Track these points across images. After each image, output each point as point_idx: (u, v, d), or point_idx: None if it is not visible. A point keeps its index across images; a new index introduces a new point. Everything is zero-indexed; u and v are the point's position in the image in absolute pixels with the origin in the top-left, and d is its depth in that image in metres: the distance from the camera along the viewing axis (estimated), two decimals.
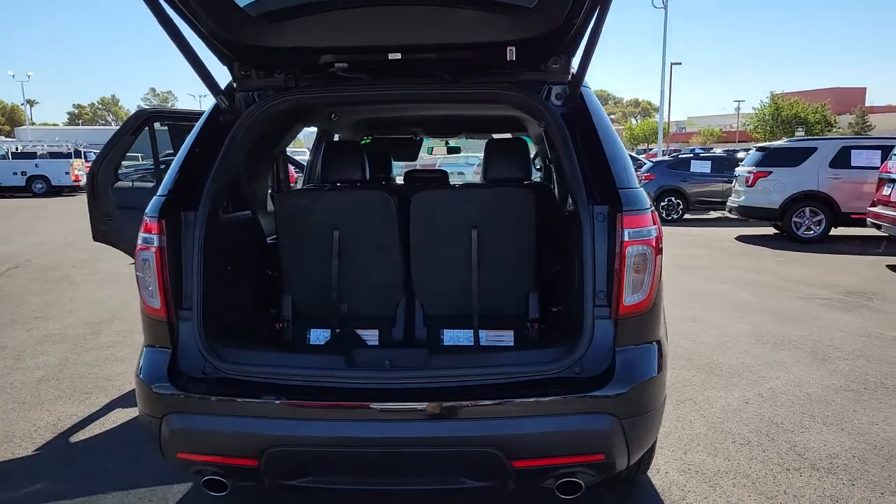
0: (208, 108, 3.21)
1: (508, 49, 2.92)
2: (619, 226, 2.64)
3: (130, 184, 5.57)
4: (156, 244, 2.78)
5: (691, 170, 19.20)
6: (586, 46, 2.74)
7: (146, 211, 2.86)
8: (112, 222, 5.15)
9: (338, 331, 3.58)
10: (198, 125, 3.15)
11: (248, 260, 3.60)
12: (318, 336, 3.64)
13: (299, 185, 6.07)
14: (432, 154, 7.48)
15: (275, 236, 3.80)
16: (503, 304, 3.54)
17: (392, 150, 6.37)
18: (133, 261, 3.08)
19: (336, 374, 2.74)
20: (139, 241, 2.84)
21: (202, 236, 2.85)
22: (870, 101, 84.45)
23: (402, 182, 6.14)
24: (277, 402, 2.66)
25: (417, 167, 6.20)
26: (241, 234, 3.59)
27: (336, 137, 5.93)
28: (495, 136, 5.81)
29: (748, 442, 4.19)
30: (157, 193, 2.91)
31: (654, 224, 2.72)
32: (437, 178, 5.79)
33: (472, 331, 3.55)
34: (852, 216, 12.92)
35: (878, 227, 10.57)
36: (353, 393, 2.65)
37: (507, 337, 3.55)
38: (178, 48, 2.67)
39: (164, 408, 2.70)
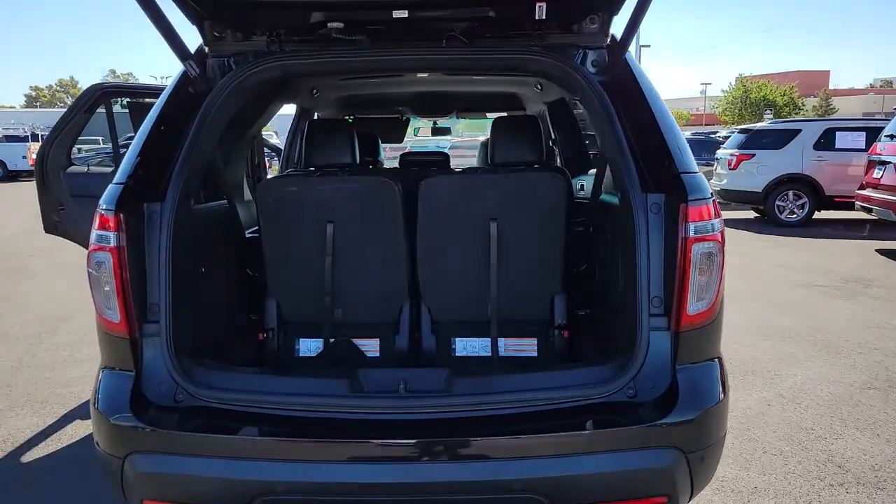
0: (174, 78, 2.66)
1: (538, 5, 2.42)
2: (681, 219, 2.19)
3: (85, 168, 4.94)
4: (113, 243, 2.25)
5: None
6: (638, 2, 2.26)
7: (100, 202, 2.32)
8: (65, 212, 4.54)
9: (332, 340, 3.09)
10: (162, 98, 2.60)
11: (226, 259, 3.08)
12: (309, 347, 3.14)
13: (275, 173, 5.49)
14: (418, 136, 6.90)
15: (255, 229, 3.27)
16: (525, 307, 3.09)
17: (376, 131, 5.83)
18: None
19: (340, 402, 2.25)
20: (92, 240, 2.30)
21: (170, 232, 2.32)
22: (833, 83, 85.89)
23: (392, 167, 5.63)
24: (268, 438, 2.18)
25: (409, 149, 5.58)
26: (216, 227, 3.06)
27: (315, 117, 5.38)
28: (501, 114, 5.29)
29: (781, 452, 3.83)
30: (114, 181, 2.37)
31: (718, 216, 2.28)
32: (438, 161, 5.13)
33: (488, 339, 3.09)
34: (836, 199, 12.77)
35: (868, 210, 10.39)
36: (363, 426, 2.18)
37: (529, 346, 3.10)
38: (138, 2, 2.13)
39: (127, 446, 2.20)
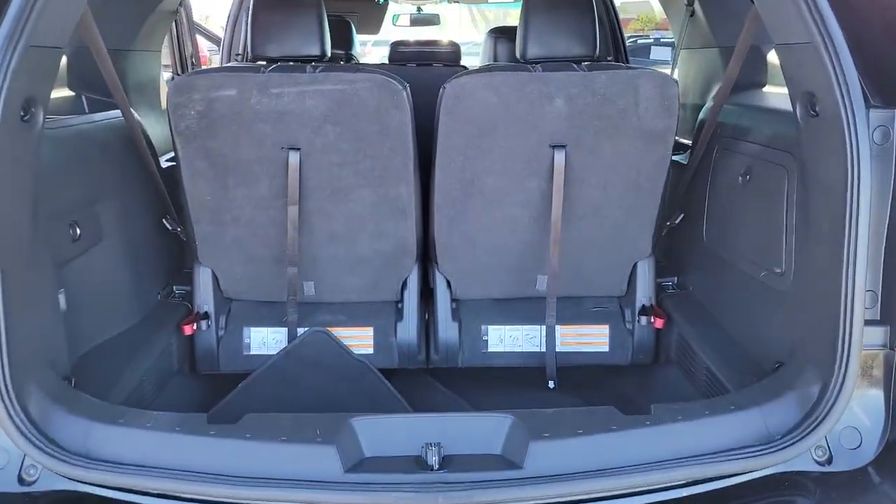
0: None
1: None
2: None
3: None
4: None
5: (651, 57, 17.76)
6: None
7: None
8: None
9: (300, 331, 2.02)
10: None
11: (122, 206, 1.93)
12: (264, 341, 2.07)
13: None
14: (396, 24, 5.50)
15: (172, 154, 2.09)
16: (595, 279, 2.07)
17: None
18: None
19: (326, 491, 1.23)
20: None
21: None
22: None
23: (380, 62, 4.32)
24: None
25: (408, 40, 3.99)
26: (102, 155, 1.90)
27: None
28: None
29: None
30: None
31: None
32: (446, 55, 3.42)
33: (537, 327, 2.06)
34: None
35: None
36: None
37: (597, 337, 2.09)
38: None
39: None
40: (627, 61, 3.80)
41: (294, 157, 1.80)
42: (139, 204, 2.02)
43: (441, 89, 1.78)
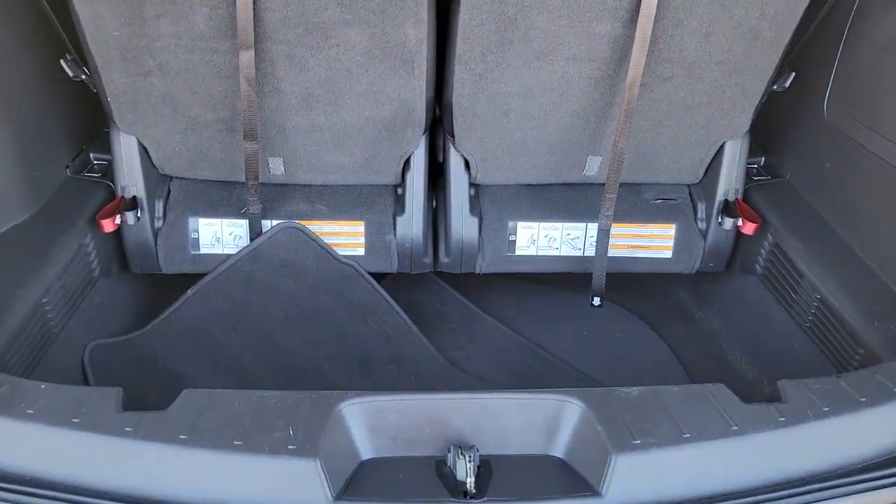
0: None
1: None
2: None
3: None
4: None
5: None
6: None
7: None
8: None
9: (266, 224, 1.49)
10: None
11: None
12: (216, 237, 1.53)
13: None
14: None
15: None
16: (661, 164, 1.54)
17: None
18: None
19: None
20: None
21: None
22: None
23: None
24: None
25: None
26: None
27: None
28: None
29: None
30: None
31: None
32: None
33: (581, 226, 1.56)
34: None
35: None
36: None
37: (659, 240, 1.59)
38: None
39: None
40: None
41: None
42: (20, 38, 1.38)
43: None
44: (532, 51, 1.29)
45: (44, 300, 1.24)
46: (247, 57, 1.24)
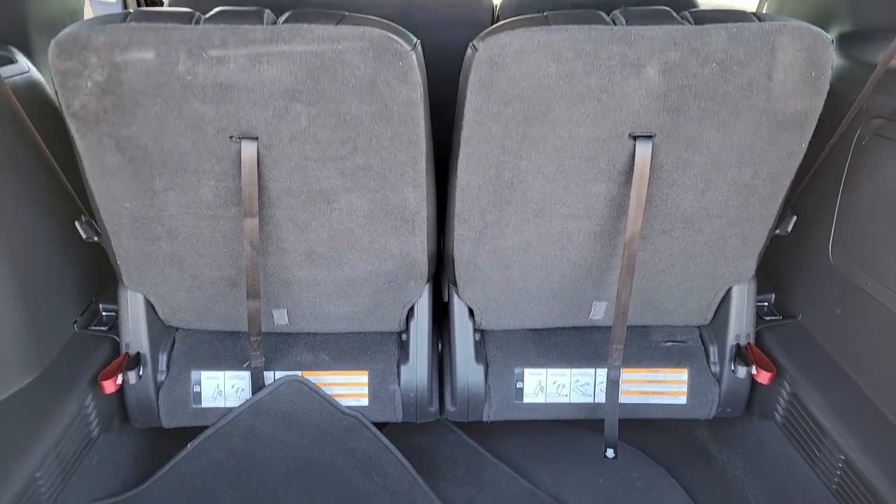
0: None
1: None
2: None
3: None
4: None
5: None
6: None
7: None
8: None
9: (268, 375, 1.48)
10: None
11: (15, 203, 1.34)
12: (218, 390, 1.52)
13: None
14: None
15: None
16: (668, 308, 1.53)
17: None
18: None
19: None
20: None
21: None
22: None
23: None
24: None
25: None
26: None
27: None
28: None
29: None
30: None
31: None
32: None
33: (591, 371, 1.53)
34: None
35: None
36: None
37: (672, 385, 1.55)
38: None
39: None
40: None
41: (249, 149, 1.20)
42: (40, 198, 1.43)
43: (469, 49, 1.16)
44: (530, 209, 1.31)
45: (37, 474, 1.22)
46: (251, 224, 1.27)
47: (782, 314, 1.61)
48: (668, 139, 1.21)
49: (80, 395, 1.37)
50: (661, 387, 1.54)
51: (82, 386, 1.39)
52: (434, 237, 1.43)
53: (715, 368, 1.54)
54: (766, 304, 1.65)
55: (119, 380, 1.41)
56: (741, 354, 1.49)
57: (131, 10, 1.15)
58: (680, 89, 1.14)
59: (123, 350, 1.47)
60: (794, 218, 1.47)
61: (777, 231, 1.44)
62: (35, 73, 1.52)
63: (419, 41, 1.17)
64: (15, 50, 1.53)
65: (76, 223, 1.41)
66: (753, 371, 1.46)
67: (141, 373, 1.46)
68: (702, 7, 1.49)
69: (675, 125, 1.19)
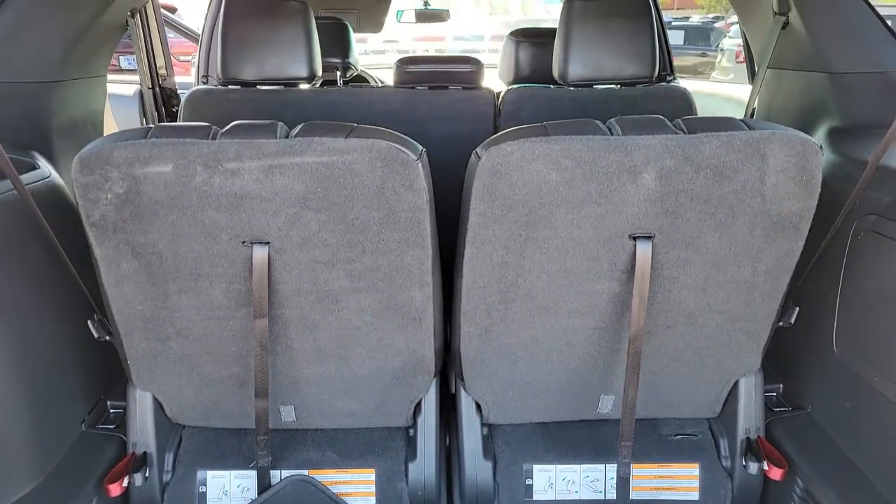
0: None
1: None
2: None
3: None
4: None
5: None
6: None
7: None
8: None
9: (274, 474, 1.47)
10: None
11: (26, 306, 1.37)
12: (224, 489, 1.51)
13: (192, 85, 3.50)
14: (401, 21, 4.85)
15: None
16: (676, 401, 1.53)
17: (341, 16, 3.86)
18: None
19: None
20: None
21: None
22: None
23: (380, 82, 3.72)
24: None
25: (416, 56, 2.99)
26: (14, 230, 1.36)
27: None
28: None
29: None
30: None
31: None
32: (465, 74, 2.27)
33: (600, 467, 1.51)
34: None
35: None
36: None
37: (683, 480, 1.53)
38: None
39: None
40: (674, 75, 3.21)
41: (260, 253, 1.24)
42: (55, 296, 1.47)
43: (473, 157, 1.21)
44: (535, 307, 1.33)
45: None
46: (261, 325, 1.29)
47: (791, 405, 1.60)
48: (668, 239, 1.24)
49: (85, 500, 1.36)
50: (673, 482, 1.52)
51: (87, 490, 1.38)
52: (441, 332, 1.44)
53: (726, 462, 1.53)
54: (775, 394, 1.64)
55: (125, 482, 1.40)
56: (752, 449, 1.48)
57: (152, 126, 1.22)
58: (676, 193, 1.19)
59: (130, 450, 1.47)
60: (797, 309, 1.48)
61: (780, 323, 1.45)
62: (56, 177, 1.58)
63: (424, 150, 1.22)
64: (37, 155, 1.60)
65: (89, 322, 1.44)
66: (765, 466, 1.44)
67: (147, 474, 1.45)
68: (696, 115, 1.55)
69: (673, 226, 1.23)
